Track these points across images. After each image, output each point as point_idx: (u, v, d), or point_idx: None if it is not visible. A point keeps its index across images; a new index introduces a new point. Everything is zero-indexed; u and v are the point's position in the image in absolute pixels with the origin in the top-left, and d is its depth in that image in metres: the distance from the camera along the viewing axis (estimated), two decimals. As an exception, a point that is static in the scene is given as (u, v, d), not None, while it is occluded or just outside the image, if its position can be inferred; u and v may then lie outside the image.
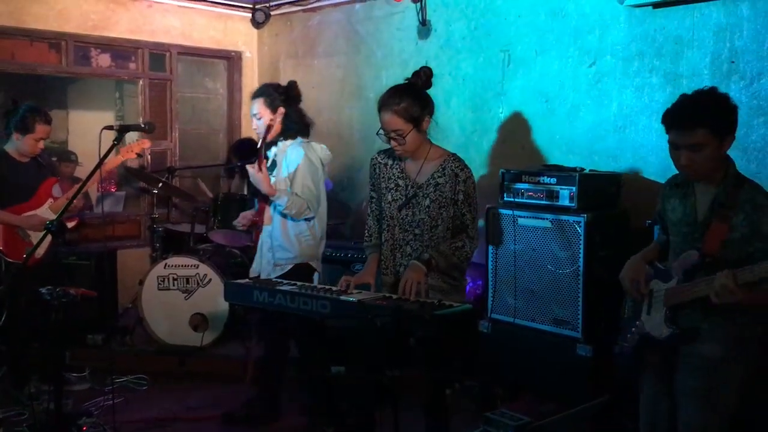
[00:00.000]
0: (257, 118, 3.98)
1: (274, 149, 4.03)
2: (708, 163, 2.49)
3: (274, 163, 4.00)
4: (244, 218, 4.24)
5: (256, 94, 4.04)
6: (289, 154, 3.94)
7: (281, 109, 3.97)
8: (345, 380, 3.31)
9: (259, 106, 3.97)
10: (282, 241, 3.95)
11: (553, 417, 3.36)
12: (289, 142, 3.99)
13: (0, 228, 4.32)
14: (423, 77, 3.14)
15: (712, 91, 2.54)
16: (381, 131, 3.11)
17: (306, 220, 3.94)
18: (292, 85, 4.07)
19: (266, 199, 3.94)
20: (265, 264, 4.00)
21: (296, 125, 4.02)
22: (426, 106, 3.10)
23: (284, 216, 3.91)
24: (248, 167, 3.80)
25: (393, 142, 3.08)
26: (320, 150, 4.07)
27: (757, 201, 2.46)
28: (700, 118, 2.45)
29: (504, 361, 4.17)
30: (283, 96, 3.99)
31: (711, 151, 2.47)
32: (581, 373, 3.83)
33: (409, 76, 3.19)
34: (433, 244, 3.12)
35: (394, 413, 2.54)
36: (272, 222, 3.97)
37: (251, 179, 3.83)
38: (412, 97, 3.06)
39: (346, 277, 3.12)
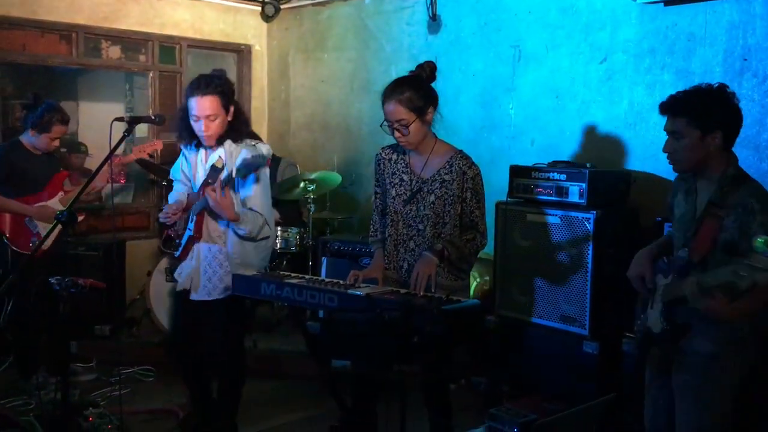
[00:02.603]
0: (211, 120, 3.32)
1: (218, 152, 3.43)
2: (687, 153, 2.53)
3: (215, 170, 3.32)
4: (173, 209, 3.49)
5: (209, 91, 3.31)
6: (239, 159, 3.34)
7: (232, 108, 3.40)
8: (350, 374, 3.32)
9: (213, 106, 3.31)
10: (242, 258, 3.47)
11: (558, 414, 3.36)
12: (235, 144, 3.41)
13: (9, 218, 4.36)
14: (427, 70, 3.14)
15: (714, 86, 2.56)
16: (385, 123, 3.11)
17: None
18: (223, 73, 3.49)
19: (204, 213, 3.45)
20: (216, 281, 3.48)
21: (241, 127, 3.45)
22: (429, 98, 3.10)
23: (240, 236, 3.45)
24: (208, 191, 3.24)
25: (396, 133, 3.08)
26: (266, 150, 3.50)
27: (749, 204, 2.42)
28: (681, 107, 2.54)
29: (510, 358, 4.17)
30: (228, 87, 3.42)
31: (691, 142, 2.51)
32: (588, 371, 3.81)
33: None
34: (437, 241, 3.11)
35: (400, 408, 2.53)
36: (227, 241, 3.47)
37: (211, 204, 3.28)
38: (415, 87, 3.06)
39: (355, 272, 3.12)
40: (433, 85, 3.16)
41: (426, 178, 3.14)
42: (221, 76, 3.48)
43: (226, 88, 3.40)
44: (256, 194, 3.44)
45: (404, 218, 3.18)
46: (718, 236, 2.45)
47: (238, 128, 3.44)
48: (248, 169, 3.24)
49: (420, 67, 3.15)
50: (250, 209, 3.42)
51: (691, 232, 2.54)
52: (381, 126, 3.13)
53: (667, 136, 2.61)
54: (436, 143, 3.18)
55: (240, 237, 3.44)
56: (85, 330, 5.02)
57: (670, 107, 2.58)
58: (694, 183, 2.63)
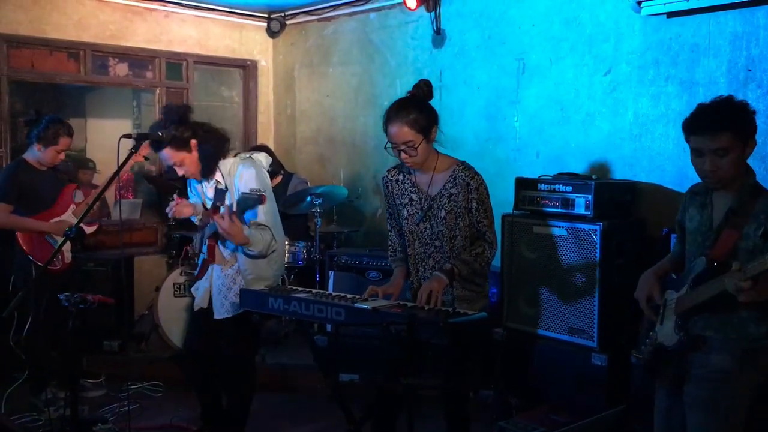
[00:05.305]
0: (177, 166, 3.43)
1: (216, 176, 3.54)
2: (732, 168, 2.49)
3: (220, 191, 3.50)
4: (179, 208, 3.60)
5: (160, 145, 3.38)
6: (238, 175, 3.47)
7: (194, 142, 3.43)
8: (359, 388, 3.32)
9: (172, 155, 3.41)
10: (256, 273, 3.55)
11: (568, 427, 3.35)
12: (230, 160, 3.50)
13: (29, 236, 4.39)
14: (424, 88, 3.10)
15: (730, 98, 2.55)
16: (389, 145, 3.07)
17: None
18: (179, 109, 3.53)
19: (216, 237, 3.52)
20: (232, 298, 3.54)
21: (215, 149, 3.48)
22: (432, 116, 3.08)
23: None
24: (216, 218, 3.29)
25: (403, 155, 3.05)
26: (264, 160, 3.64)
27: None
28: (724, 122, 2.46)
29: (519, 370, 4.15)
30: (181, 127, 3.41)
31: (735, 156, 2.47)
32: (596, 383, 3.80)
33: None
34: (454, 255, 3.11)
35: (409, 421, 2.53)
36: (239, 259, 3.55)
37: (220, 231, 3.31)
38: (419, 108, 3.03)
39: (373, 287, 3.12)
40: (438, 98, 3.17)
41: (434, 194, 3.14)
42: (161, 120, 3.48)
43: (171, 131, 3.36)
44: (260, 209, 3.48)
45: (419, 237, 3.19)
46: (737, 245, 2.44)
47: (209, 157, 3.46)
48: (245, 205, 3.32)
49: (416, 86, 3.11)
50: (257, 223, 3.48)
51: (710, 242, 2.53)
52: (385, 148, 3.09)
53: (683, 156, 2.59)
54: (439, 158, 3.16)
55: (251, 257, 3.51)
56: (94, 345, 5.03)
57: (710, 125, 2.47)
58: (709, 197, 2.61)
